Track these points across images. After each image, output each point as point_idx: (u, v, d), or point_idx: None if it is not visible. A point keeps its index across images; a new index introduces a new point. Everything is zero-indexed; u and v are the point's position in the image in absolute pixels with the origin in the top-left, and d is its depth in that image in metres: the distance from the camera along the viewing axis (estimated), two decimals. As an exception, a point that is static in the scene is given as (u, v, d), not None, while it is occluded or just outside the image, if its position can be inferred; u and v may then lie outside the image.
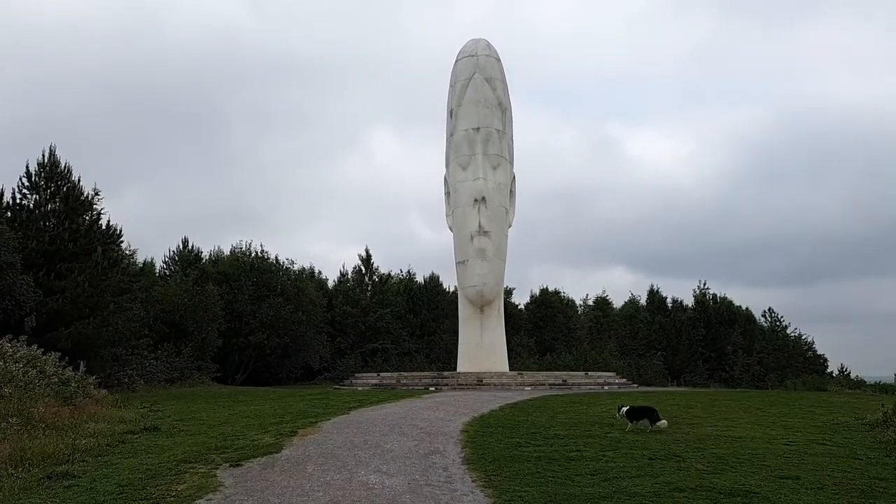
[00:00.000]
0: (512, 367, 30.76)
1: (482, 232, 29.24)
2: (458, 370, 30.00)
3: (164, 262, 42.20)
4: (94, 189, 28.23)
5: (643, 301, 63.78)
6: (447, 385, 25.01)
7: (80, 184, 27.14)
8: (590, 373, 28.39)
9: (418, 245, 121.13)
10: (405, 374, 29.18)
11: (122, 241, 29.16)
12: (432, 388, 24.63)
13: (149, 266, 40.52)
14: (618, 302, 67.06)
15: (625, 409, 12.21)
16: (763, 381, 56.42)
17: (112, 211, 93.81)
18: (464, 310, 30.23)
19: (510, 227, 31.30)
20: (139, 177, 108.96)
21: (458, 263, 30.42)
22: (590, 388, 25.60)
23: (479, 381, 24.64)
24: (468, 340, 29.80)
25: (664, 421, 11.75)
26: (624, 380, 29.52)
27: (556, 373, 27.86)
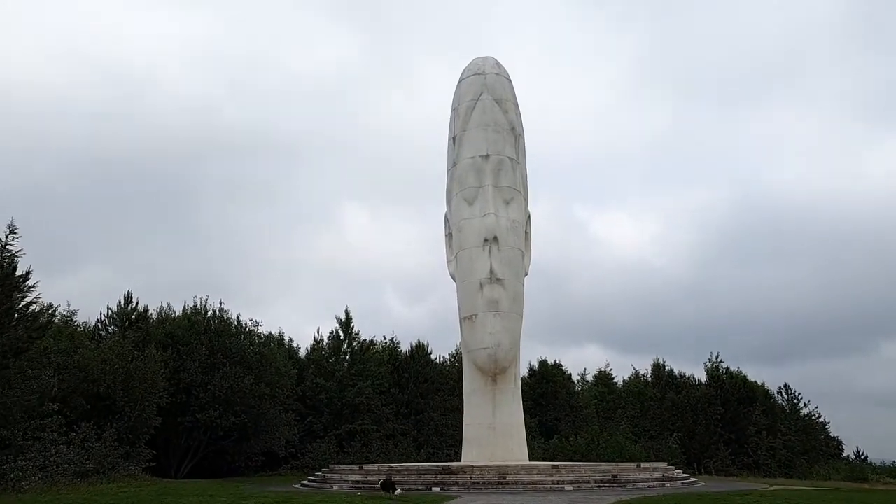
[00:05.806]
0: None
1: (494, 279, 23.22)
2: (463, 460, 23.09)
3: (100, 322, 34.79)
4: (9, 226, 22.21)
5: (648, 376, 58.10)
6: (457, 483, 18.14)
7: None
8: (642, 465, 21.68)
9: (394, 322, 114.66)
10: (397, 466, 22.16)
11: (28, 289, 22.36)
12: (437, 489, 17.76)
13: (80, 328, 33.30)
14: (617, 377, 60.87)
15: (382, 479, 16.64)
16: (791, 468, 49.95)
17: (75, 283, 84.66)
18: (471, 380, 23.66)
19: (526, 274, 25.30)
20: (106, 250, 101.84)
21: (462, 320, 24.10)
22: (648, 486, 18.90)
23: (501, 479, 17.85)
24: (477, 420, 23.09)
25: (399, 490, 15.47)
26: (680, 471, 22.79)
27: (601, 465, 21.08)
